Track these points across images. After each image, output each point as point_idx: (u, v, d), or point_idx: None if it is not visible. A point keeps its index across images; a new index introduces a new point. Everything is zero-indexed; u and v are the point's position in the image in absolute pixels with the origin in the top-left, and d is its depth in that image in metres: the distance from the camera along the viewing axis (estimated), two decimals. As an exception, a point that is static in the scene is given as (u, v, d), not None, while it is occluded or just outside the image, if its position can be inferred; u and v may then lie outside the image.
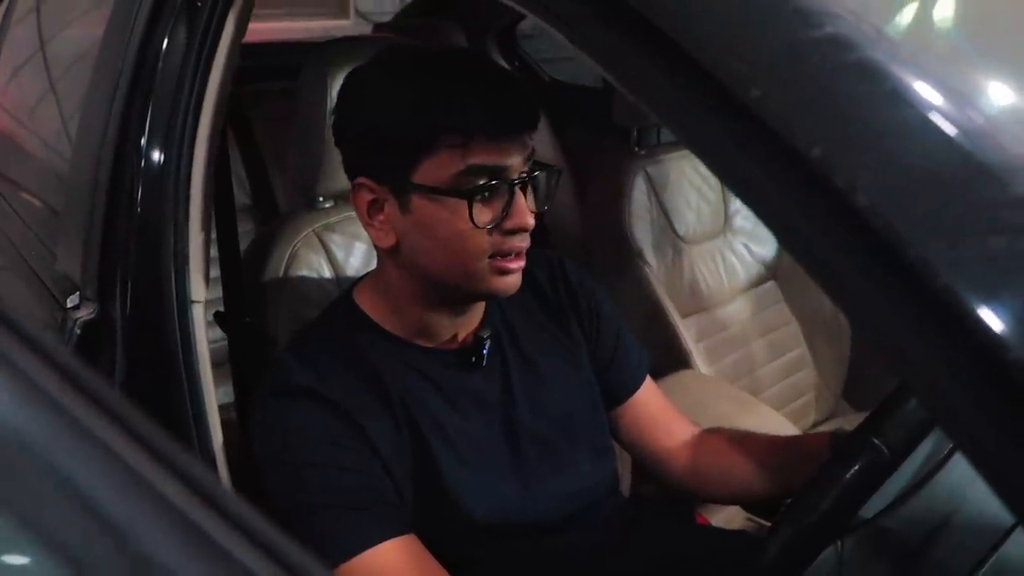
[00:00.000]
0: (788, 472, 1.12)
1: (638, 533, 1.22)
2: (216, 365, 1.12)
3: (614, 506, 1.21)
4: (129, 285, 1.07)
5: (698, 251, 2.08)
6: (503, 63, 2.47)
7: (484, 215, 0.95)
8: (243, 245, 1.37)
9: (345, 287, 1.21)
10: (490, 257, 0.97)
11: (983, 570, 0.75)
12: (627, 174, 2.02)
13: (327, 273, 1.31)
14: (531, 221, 0.97)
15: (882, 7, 0.48)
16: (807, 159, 0.38)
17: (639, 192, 2.01)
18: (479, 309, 1.11)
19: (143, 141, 1.04)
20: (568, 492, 1.14)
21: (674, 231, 2.05)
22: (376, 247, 1.04)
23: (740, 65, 0.42)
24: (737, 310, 2.10)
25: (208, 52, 1.05)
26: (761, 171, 0.42)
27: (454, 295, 1.04)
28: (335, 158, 1.30)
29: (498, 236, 0.96)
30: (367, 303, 1.09)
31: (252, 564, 0.30)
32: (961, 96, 0.38)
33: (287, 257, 1.28)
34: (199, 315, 1.08)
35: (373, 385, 1.02)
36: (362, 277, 1.15)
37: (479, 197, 0.94)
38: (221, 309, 1.30)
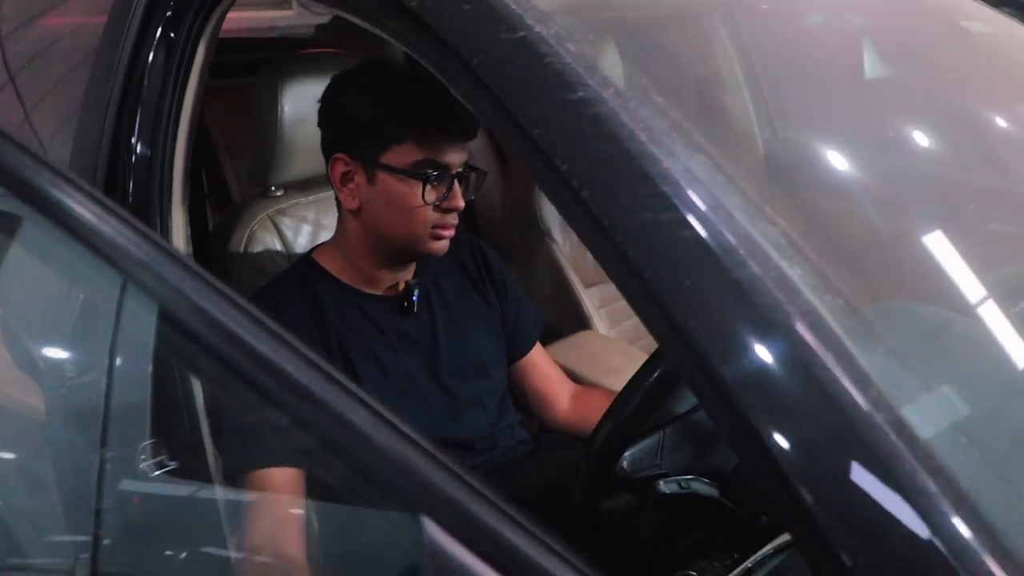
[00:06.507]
0: None
1: (538, 459, 1.55)
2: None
3: (519, 439, 1.53)
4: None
5: (601, 231, 2.36)
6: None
7: (431, 195, 1.28)
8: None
9: (294, 261, 1.50)
10: (431, 227, 1.30)
11: None
12: (539, 164, 2.30)
13: (279, 249, 1.58)
14: (462, 204, 1.31)
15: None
16: (559, 171, 0.68)
17: (549, 180, 2.29)
18: (413, 267, 1.42)
19: (133, 140, 1.21)
20: (483, 421, 1.46)
21: (580, 214, 2.33)
22: (342, 209, 1.34)
23: (530, 115, 0.71)
24: (635, 281, 2.38)
25: (185, 70, 1.26)
26: (548, 175, 0.71)
27: (398, 251, 1.36)
28: (285, 154, 1.57)
29: (439, 212, 1.30)
30: (326, 259, 1.40)
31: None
32: (646, 131, 0.67)
33: (246, 237, 1.56)
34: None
35: (318, 325, 1.32)
36: (320, 244, 1.46)
37: (430, 182, 1.26)
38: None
